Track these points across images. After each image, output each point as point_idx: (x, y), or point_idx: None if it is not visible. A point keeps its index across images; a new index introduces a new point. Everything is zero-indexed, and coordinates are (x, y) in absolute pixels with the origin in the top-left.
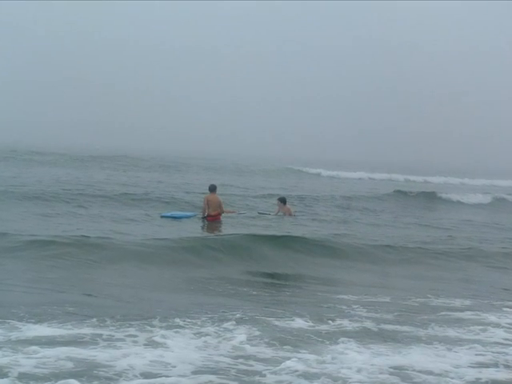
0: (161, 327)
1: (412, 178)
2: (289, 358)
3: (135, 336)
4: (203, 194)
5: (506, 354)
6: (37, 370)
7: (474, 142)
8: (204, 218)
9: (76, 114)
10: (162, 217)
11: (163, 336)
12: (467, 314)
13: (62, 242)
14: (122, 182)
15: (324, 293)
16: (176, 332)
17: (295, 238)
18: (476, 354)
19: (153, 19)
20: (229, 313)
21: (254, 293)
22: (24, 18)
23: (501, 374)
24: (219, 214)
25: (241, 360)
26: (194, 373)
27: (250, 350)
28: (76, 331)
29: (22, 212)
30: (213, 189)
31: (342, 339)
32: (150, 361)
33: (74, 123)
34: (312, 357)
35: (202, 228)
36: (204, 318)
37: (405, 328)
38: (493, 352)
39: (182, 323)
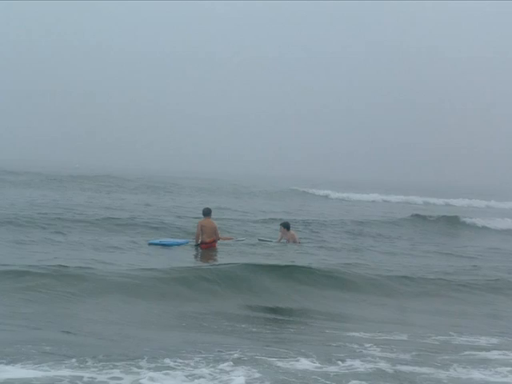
0: (149, 368)
1: (432, 200)
2: None
3: (120, 379)
4: (196, 218)
5: None
6: None
7: (502, 160)
8: (197, 245)
9: (52, 129)
10: (150, 244)
11: (151, 379)
12: (494, 354)
13: (38, 272)
14: (104, 204)
15: (333, 330)
16: (166, 374)
17: (300, 267)
18: None
19: (140, 21)
20: (225, 352)
21: (254, 330)
22: None
23: None
24: (214, 241)
25: None
26: None
27: None
28: (53, 373)
29: None
30: (207, 213)
31: (353, 382)
32: None
33: (50, 138)
34: None
35: (196, 257)
36: (197, 359)
37: (424, 369)
38: None
39: (172, 364)
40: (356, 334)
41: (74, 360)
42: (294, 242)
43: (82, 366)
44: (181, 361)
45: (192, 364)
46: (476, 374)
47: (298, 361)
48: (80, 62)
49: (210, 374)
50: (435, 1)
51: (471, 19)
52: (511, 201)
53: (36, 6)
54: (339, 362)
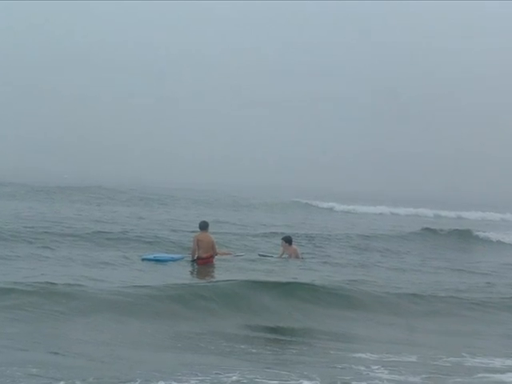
0: None
1: (443, 213)
2: None
3: None
4: (193, 232)
5: None
6: None
7: None
8: (194, 260)
9: (40, 136)
10: (144, 260)
11: None
12: (509, 376)
13: (24, 290)
14: (95, 217)
15: (338, 351)
16: None
17: (303, 284)
18: None
19: (134, 22)
20: (223, 375)
21: (254, 351)
22: None
23: None
24: (212, 257)
25: None
26: None
27: None
28: None
29: None
30: (204, 226)
31: None
32: None
33: (37, 147)
34: None
35: (192, 273)
36: (194, 381)
37: None
38: None
39: None
40: (362, 355)
41: (62, 383)
42: (297, 257)
43: None
44: None
45: None
46: None
47: None
48: (70, 64)
49: None
50: (447, 1)
51: (486, 20)
52: None
53: (23, 6)
54: None
